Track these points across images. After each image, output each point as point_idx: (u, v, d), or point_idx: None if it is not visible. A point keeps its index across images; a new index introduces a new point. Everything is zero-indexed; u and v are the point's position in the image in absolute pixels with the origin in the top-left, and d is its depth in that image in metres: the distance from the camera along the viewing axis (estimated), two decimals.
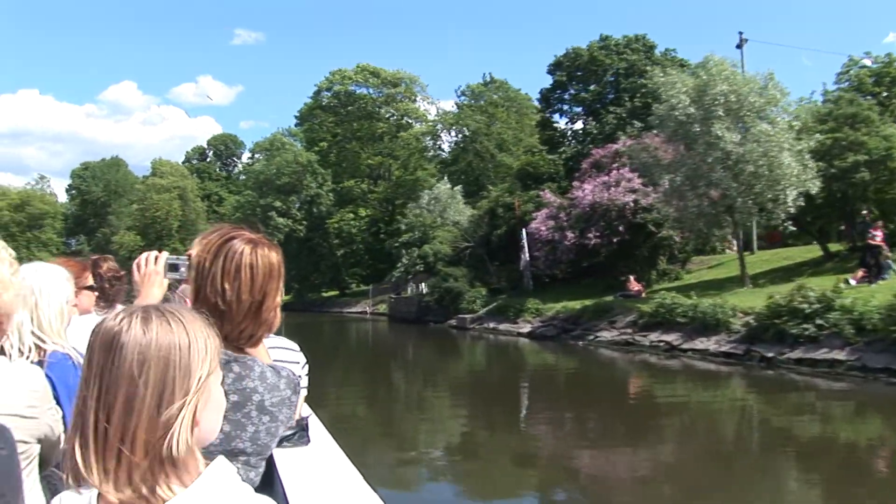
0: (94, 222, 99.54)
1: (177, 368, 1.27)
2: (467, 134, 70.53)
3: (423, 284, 53.15)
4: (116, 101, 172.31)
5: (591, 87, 51.80)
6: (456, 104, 75.80)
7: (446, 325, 40.64)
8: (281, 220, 73.99)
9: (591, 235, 34.51)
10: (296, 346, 2.76)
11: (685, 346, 22.80)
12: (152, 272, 2.51)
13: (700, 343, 22.22)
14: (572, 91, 52.98)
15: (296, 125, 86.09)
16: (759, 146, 26.51)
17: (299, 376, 2.19)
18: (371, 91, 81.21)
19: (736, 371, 19.71)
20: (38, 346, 2.57)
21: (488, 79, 74.62)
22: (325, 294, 76.82)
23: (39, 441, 2.21)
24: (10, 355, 2.41)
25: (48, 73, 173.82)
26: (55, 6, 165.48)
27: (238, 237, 2.01)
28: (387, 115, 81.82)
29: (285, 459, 2.70)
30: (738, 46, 43.50)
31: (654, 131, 31.37)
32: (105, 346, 1.28)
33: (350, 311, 66.35)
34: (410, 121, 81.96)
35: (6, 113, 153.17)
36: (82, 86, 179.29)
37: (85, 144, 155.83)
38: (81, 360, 2.00)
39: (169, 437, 1.25)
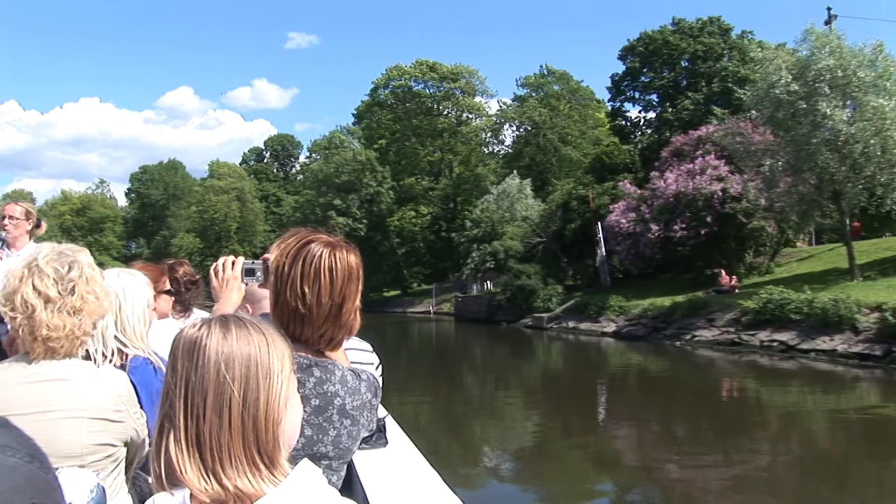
0: (153, 225, 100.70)
1: (258, 370, 1.33)
2: (529, 128, 68.48)
3: (488, 283, 51.60)
4: (173, 107, 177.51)
5: (665, 73, 49.31)
6: (515, 97, 73.91)
7: (520, 324, 38.88)
8: (341, 219, 72.98)
9: (676, 228, 32.37)
10: (369, 347, 2.75)
11: (804, 346, 20.72)
12: (230, 277, 2.54)
13: (823, 343, 20.10)
14: (645, 78, 50.56)
15: (353, 123, 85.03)
16: (871, 124, 24.19)
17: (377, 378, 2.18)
18: (429, 86, 79.62)
19: (870, 375, 17.59)
20: (120, 351, 2.60)
21: (545, 70, 72.50)
22: (386, 294, 75.74)
23: (126, 444, 2.26)
24: (95, 359, 2.40)
25: (108, 81, 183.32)
26: (114, 16, 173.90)
27: (316, 241, 2.02)
28: (446, 111, 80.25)
29: (364, 461, 2.66)
30: (827, 23, 40.75)
31: (746, 115, 29.12)
32: (188, 353, 1.34)
33: (413, 311, 65.46)
34: (470, 116, 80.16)
35: (69, 121, 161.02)
36: (141, 92, 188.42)
37: (144, 150, 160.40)
38: (162, 364, 2.59)
39: (257, 436, 1.31)
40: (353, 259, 2.05)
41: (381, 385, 2.21)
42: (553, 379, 22.99)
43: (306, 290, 1.98)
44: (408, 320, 57.93)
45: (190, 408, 1.30)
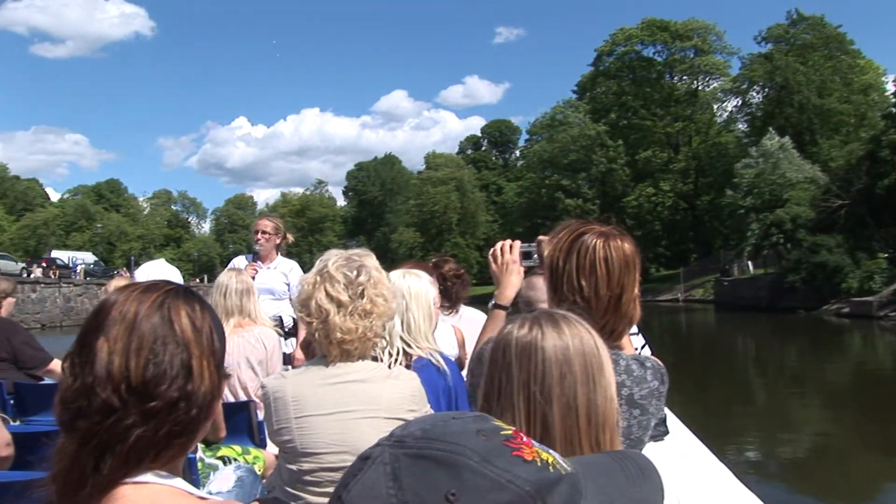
0: (371, 222, 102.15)
1: (594, 367, 1.37)
2: (780, 86, 59.90)
3: (749, 263, 43.84)
4: (389, 110, 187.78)
5: None
6: (761, 54, 64.43)
7: (823, 312, 30.89)
8: (570, 201, 67.93)
9: None
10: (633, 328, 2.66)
11: None
12: (509, 261, 2.55)
13: None
14: None
15: (576, 98, 78.67)
16: None
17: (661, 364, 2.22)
18: (659, 48, 72.15)
19: None
20: (405, 351, 2.79)
21: (795, 16, 62.81)
22: None
23: None
24: (383, 360, 2.60)
25: (327, 91, 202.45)
26: (329, 28, 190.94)
27: (588, 231, 2.02)
28: (680, 74, 72.30)
29: (645, 452, 2.39)
30: None
31: None
32: (524, 355, 1.36)
33: (659, 300, 59.35)
34: (708, 77, 71.60)
35: (293, 132, 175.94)
36: (357, 99, 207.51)
37: (362, 154, 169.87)
38: (444, 364, 2.81)
39: (597, 435, 1.35)
40: (629, 247, 2.01)
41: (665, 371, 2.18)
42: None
43: (583, 283, 1.99)
44: (655, 310, 50.87)
45: (534, 413, 1.32)
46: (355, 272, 2.30)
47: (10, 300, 5.47)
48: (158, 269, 3.90)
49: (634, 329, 2.68)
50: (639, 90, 73.41)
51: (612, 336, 1.99)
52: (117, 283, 4.23)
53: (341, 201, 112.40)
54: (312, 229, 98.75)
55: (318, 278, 2.31)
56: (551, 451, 0.82)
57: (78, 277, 48.90)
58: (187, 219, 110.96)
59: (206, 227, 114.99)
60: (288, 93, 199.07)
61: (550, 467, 0.78)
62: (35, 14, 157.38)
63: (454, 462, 0.74)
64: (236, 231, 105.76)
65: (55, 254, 56.53)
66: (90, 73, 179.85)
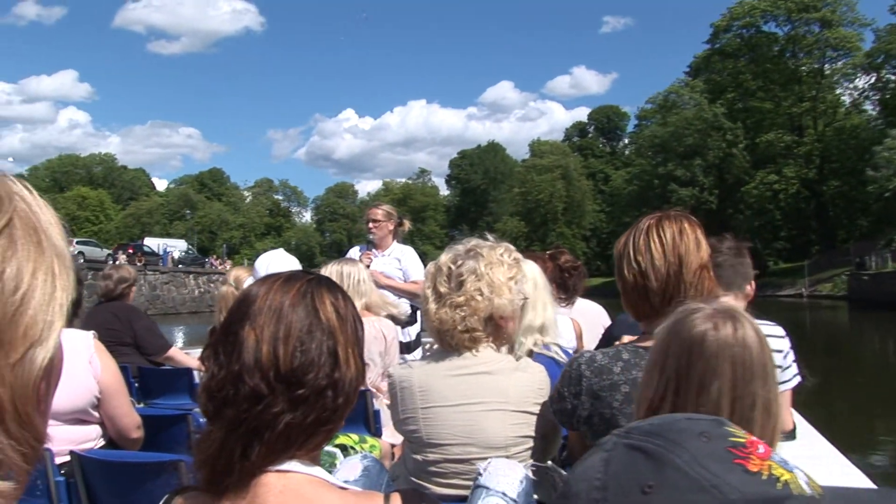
0: (475, 211, 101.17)
1: (763, 363, 1.45)
2: None
3: (889, 256, 40.26)
4: (495, 101, 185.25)
5: None
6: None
7: None
8: (685, 190, 64.76)
9: None
10: (780, 331, 2.80)
11: None
12: None
13: None
14: None
15: (690, 78, 75.12)
16: None
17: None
18: (782, 22, 67.66)
19: None
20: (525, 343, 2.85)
21: None
22: None
23: (544, 437, 2.39)
24: (512, 353, 2.55)
25: (433, 82, 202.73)
26: (435, 20, 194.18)
27: (644, 217, 2.21)
28: (806, 49, 67.47)
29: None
30: None
31: None
32: (711, 353, 1.43)
33: (780, 294, 55.79)
34: (837, 53, 66.77)
35: (399, 124, 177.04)
36: (464, 90, 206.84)
37: (468, 145, 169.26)
38: (563, 356, 2.87)
39: (775, 430, 1.45)
40: (686, 223, 2.14)
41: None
42: None
43: (640, 259, 2.12)
44: (778, 306, 47.17)
45: (736, 411, 1.38)
46: (460, 263, 2.33)
47: (134, 288, 5.83)
48: (278, 259, 3.85)
49: (779, 330, 2.79)
50: (758, 69, 69.35)
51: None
52: (238, 272, 4.69)
53: (444, 191, 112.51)
54: (414, 218, 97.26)
55: (433, 266, 2.40)
56: (798, 469, 0.78)
57: (166, 266, 49.55)
58: (288, 208, 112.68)
59: (307, 216, 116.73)
60: (394, 85, 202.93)
61: (780, 484, 0.75)
62: (152, 13, 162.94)
63: (661, 457, 0.75)
64: (337, 220, 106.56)
65: (147, 241, 57.36)
66: (203, 68, 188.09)
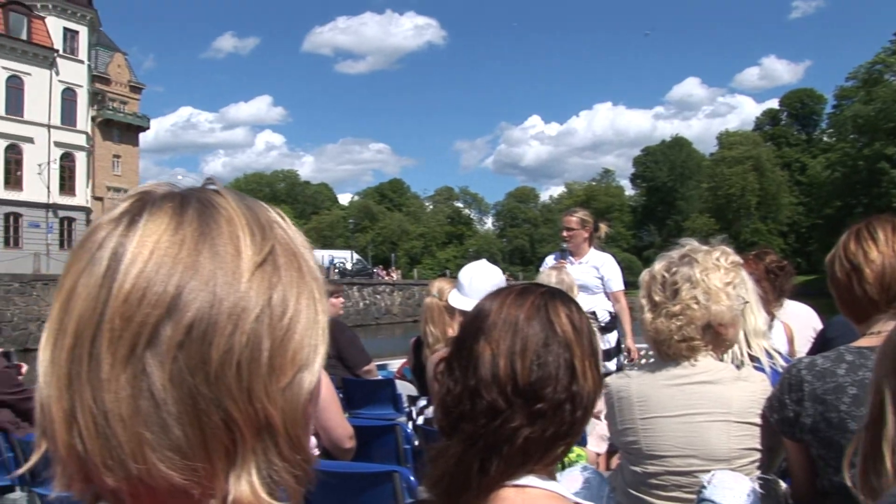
0: (661, 210, 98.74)
1: None
2: None
3: None
4: (682, 99, 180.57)
5: None
6: None
7: None
8: None
9: None
10: None
11: None
12: None
13: None
14: None
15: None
16: None
17: None
18: None
19: None
20: (741, 352, 2.74)
21: None
22: None
23: (770, 449, 2.31)
24: (729, 360, 2.53)
25: (618, 84, 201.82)
26: (619, 21, 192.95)
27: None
28: None
29: None
30: None
31: None
32: None
33: None
34: None
35: (586, 127, 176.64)
36: (649, 90, 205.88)
37: (651, 141, 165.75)
38: (783, 362, 2.73)
39: None
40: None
41: None
42: None
43: (851, 258, 2.09)
44: None
45: None
46: (674, 270, 2.29)
47: (340, 299, 6.18)
48: (481, 271, 3.82)
49: None
50: None
51: None
52: (441, 284, 4.61)
53: (630, 191, 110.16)
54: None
55: (647, 275, 2.37)
56: None
57: (331, 277, 50.09)
58: (469, 215, 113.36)
59: (489, 223, 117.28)
60: (579, 89, 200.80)
61: None
62: (338, 35, 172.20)
63: None
64: (518, 225, 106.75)
65: (317, 253, 58.88)
66: (389, 84, 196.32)
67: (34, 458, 0.64)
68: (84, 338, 0.60)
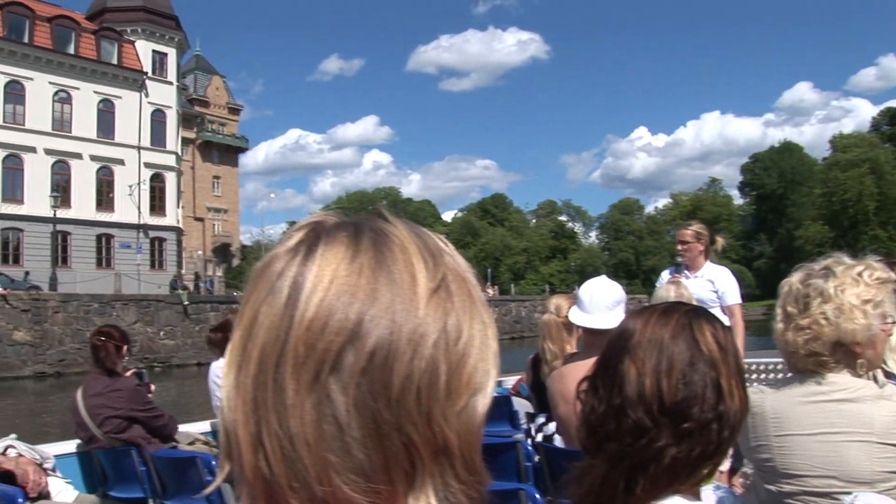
0: (772, 219, 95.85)
1: None
2: None
3: None
4: (793, 105, 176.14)
5: None
6: None
7: None
8: None
9: None
10: None
11: None
12: None
13: None
14: None
15: None
16: None
17: None
18: None
19: None
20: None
21: None
22: None
23: None
24: (872, 378, 2.39)
25: (726, 92, 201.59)
26: (723, 28, 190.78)
27: None
28: None
29: None
30: None
31: None
32: None
33: None
34: None
35: (694, 138, 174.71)
36: (758, 97, 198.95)
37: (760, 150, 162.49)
38: None
39: None
40: None
41: None
42: None
43: None
44: None
45: None
46: (808, 282, 2.22)
47: None
48: (602, 287, 3.77)
49: None
50: None
51: None
52: (558, 300, 4.53)
53: (738, 201, 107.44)
54: None
55: (785, 285, 2.33)
56: None
57: None
58: (573, 229, 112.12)
59: (593, 236, 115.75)
60: (686, 99, 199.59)
61: None
62: (442, 54, 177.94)
63: None
64: (622, 238, 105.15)
65: None
66: (494, 100, 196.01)
67: (219, 480, 0.67)
68: (268, 365, 0.62)
